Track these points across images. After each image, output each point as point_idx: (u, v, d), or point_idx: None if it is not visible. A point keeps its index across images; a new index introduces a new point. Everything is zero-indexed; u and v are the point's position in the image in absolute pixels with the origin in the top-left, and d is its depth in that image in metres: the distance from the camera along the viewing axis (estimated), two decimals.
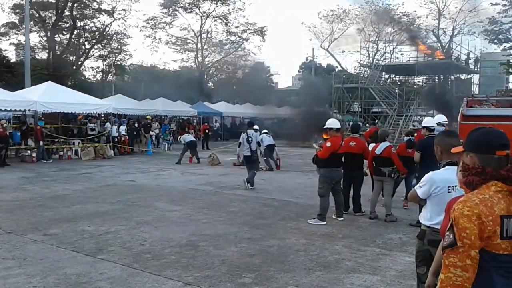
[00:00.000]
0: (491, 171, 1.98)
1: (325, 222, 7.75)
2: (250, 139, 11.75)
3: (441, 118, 8.61)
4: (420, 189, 3.65)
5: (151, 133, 21.97)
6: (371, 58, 42.75)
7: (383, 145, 8.21)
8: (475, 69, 39.43)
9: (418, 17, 43.70)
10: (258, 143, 12.21)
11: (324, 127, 8.11)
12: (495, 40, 45.79)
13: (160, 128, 24.70)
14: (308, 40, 44.70)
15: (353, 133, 8.98)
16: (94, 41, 39.02)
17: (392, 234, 7.21)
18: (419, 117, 32.41)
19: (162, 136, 23.91)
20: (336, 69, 52.52)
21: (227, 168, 16.01)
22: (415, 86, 43.41)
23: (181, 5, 42.56)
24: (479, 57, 42.39)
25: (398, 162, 8.17)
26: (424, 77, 42.43)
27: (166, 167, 15.95)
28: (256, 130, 12.55)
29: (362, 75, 37.90)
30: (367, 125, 28.68)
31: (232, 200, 9.89)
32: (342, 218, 8.11)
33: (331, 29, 48.78)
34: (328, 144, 7.88)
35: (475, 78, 42.86)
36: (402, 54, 39.36)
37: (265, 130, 16.06)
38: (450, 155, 3.50)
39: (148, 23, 42.24)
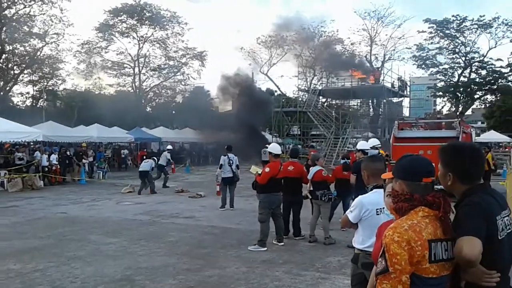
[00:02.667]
0: (418, 197, 2.06)
1: (265, 248, 7.69)
2: (231, 161, 12.54)
3: (375, 141, 8.92)
4: (351, 214, 3.72)
5: (83, 161, 20.97)
6: (308, 83, 44.03)
7: (314, 169, 8.38)
8: (405, 93, 41.65)
9: (352, 44, 45.72)
10: (237, 166, 12.80)
11: (265, 150, 8.19)
12: (423, 65, 48.92)
13: (95, 156, 23.71)
14: (247, 65, 45.58)
15: (292, 157, 9.06)
16: (24, 65, 37.25)
17: (331, 257, 7.26)
18: (354, 139, 33.63)
19: (96, 164, 22.95)
20: (276, 93, 53.53)
21: (164, 195, 15.58)
22: (350, 109, 45.17)
23: (118, 29, 41.84)
24: (409, 81, 44.89)
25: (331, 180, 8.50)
26: (359, 101, 44.28)
27: (101, 197, 15.26)
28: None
29: (300, 99, 38.87)
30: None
31: (170, 230, 9.58)
32: (282, 243, 8.09)
33: (269, 54, 49.86)
34: (267, 169, 7.89)
35: (406, 101, 45.32)
36: (337, 78, 40.84)
37: None
38: (377, 179, 3.61)
39: (82, 48, 41.02)
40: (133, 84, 43.81)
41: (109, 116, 31.66)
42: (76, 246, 8.05)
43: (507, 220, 2.17)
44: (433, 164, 2.23)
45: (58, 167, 19.97)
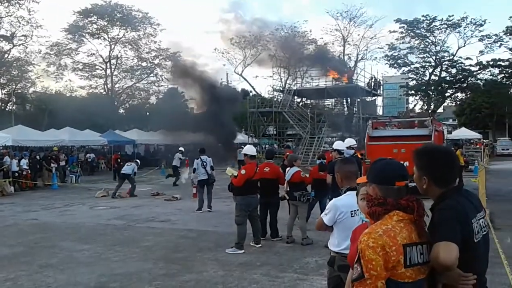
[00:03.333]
0: (392, 201, 2.05)
1: (243, 251, 7.64)
2: (204, 163, 12.55)
3: (351, 141, 8.96)
4: (326, 217, 3.72)
5: (52, 165, 20.36)
6: (283, 83, 44.12)
7: (292, 170, 8.36)
8: (378, 92, 42.19)
9: (325, 44, 46.01)
10: (212, 167, 12.79)
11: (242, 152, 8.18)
12: (395, 65, 49.76)
13: (67, 160, 23.16)
14: (222, 65, 45.51)
15: (268, 158, 9.02)
16: None
17: (308, 257, 7.25)
18: (330, 138, 33.86)
19: (69, 168, 22.42)
20: (251, 94, 53.47)
21: (140, 199, 15.34)
22: (325, 109, 45.47)
23: (88, 30, 41.05)
24: (382, 80, 45.50)
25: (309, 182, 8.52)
26: (333, 100, 44.65)
27: (74, 202, 14.90)
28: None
29: (275, 99, 38.94)
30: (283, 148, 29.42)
31: (146, 234, 9.42)
32: (260, 245, 8.05)
33: (244, 54, 49.82)
34: (243, 171, 7.84)
35: (379, 99, 45.93)
36: (312, 78, 41.08)
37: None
38: (350, 181, 3.64)
39: (51, 50, 40.02)
40: (105, 86, 43.12)
41: (81, 119, 31.05)
42: (48, 254, 7.84)
43: (482, 222, 2.18)
44: (406, 167, 2.24)
45: (29, 172, 19.46)
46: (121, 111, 45.22)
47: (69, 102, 37.60)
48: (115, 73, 42.69)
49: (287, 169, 8.87)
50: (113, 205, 14.06)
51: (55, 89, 42.57)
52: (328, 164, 8.99)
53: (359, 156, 11.86)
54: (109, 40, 41.98)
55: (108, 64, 42.14)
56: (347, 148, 8.41)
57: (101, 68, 42.43)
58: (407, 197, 2.06)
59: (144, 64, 43.46)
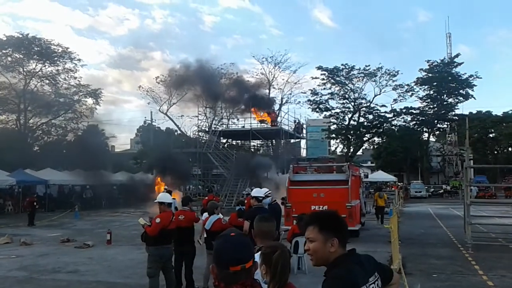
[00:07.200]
0: (223, 287, 1.93)
1: None
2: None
3: (265, 190, 8.87)
4: None
5: None
6: (209, 123, 44.12)
7: (213, 218, 8.07)
8: (302, 135, 43.50)
9: (251, 86, 46.81)
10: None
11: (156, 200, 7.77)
12: (317, 109, 52.01)
13: None
14: (146, 104, 44.53)
15: (184, 205, 8.67)
16: None
17: None
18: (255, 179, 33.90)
19: None
20: (176, 133, 52.81)
21: (47, 246, 14.09)
22: (251, 150, 45.90)
23: (1, 63, 38.59)
24: (305, 123, 47.12)
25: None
26: (259, 142, 45.28)
27: None
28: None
29: (201, 139, 38.72)
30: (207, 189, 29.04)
31: None
32: None
33: (169, 93, 49.48)
34: (158, 220, 7.40)
35: (303, 142, 47.34)
36: (238, 119, 41.55)
37: None
38: (263, 240, 3.44)
39: None
40: (18, 122, 40.27)
41: None
42: None
43: (373, 286, 2.20)
44: (249, 248, 2.08)
45: None
46: (36, 148, 42.37)
47: None
48: (29, 108, 40.11)
49: (205, 214, 8.59)
50: (18, 253, 12.76)
51: None
52: (247, 210, 8.83)
53: (281, 200, 11.87)
54: (25, 73, 39.73)
55: (22, 98, 39.51)
56: (265, 196, 8.31)
57: (14, 103, 39.71)
58: (242, 282, 1.93)
59: (62, 100, 41.41)
